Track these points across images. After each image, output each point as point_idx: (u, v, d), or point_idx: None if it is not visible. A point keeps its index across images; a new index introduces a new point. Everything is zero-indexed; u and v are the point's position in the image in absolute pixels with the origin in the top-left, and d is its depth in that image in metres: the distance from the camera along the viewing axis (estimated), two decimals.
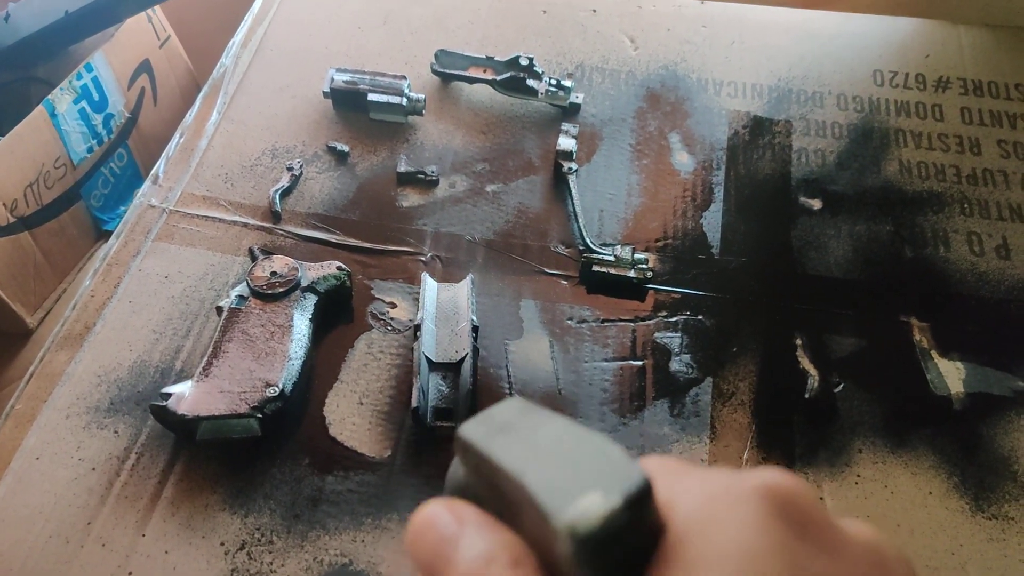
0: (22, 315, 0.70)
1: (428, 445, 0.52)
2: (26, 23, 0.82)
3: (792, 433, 0.55)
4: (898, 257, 0.64)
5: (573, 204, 0.65)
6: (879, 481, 0.52)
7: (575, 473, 0.19)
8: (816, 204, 0.68)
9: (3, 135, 0.75)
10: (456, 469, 0.24)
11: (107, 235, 0.80)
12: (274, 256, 0.57)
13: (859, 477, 0.52)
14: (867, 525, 0.20)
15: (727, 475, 0.20)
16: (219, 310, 0.55)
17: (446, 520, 0.21)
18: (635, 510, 0.18)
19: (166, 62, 0.85)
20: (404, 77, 0.70)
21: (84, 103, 0.73)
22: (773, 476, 0.19)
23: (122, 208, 0.81)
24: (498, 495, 0.21)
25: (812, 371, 0.58)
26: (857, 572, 0.18)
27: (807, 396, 0.57)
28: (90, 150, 0.75)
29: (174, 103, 0.87)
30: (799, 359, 0.59)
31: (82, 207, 0.76)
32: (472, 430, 0.22)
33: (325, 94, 0.70)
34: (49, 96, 0.69)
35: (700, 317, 0.61)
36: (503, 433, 0.22)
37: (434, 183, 0.67)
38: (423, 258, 0.63)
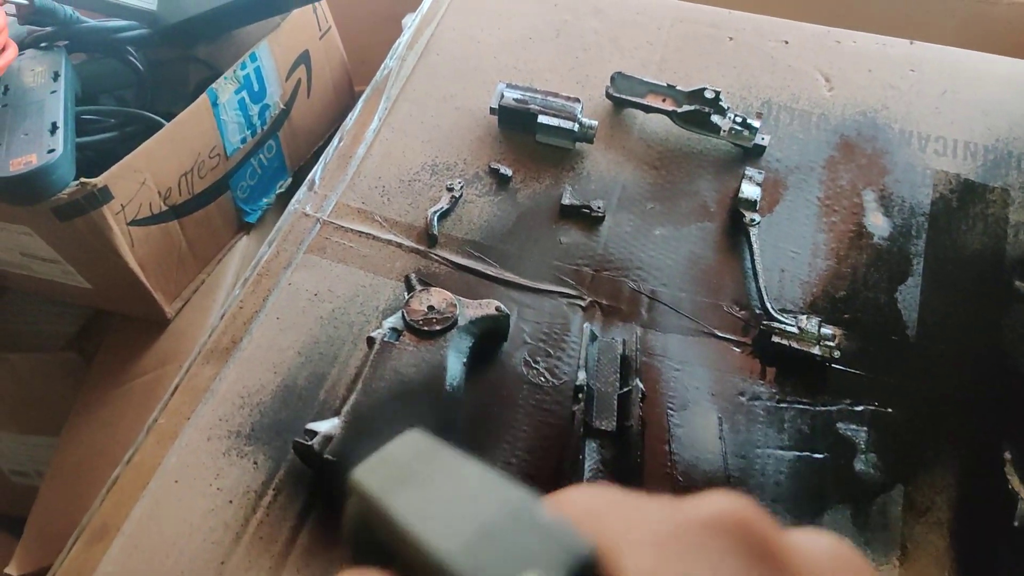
0: (162, 304, 0.69)
1: None
2: (194, 2, 0.81)
3: (998, 567, 0.47)
4: None
5: (753, 261, 0.59)
6: None
7: (499, 544, 0.17)
8: None
9: (161, 114, 0.74)
10: (353, 510, 0.21)
11: (247, 227, 0.78)
12: (432, 288, 0.53)
13: None
14: (820, 534, 0.19)
15: (672, 510, 0.18)
16: (370, 341, 0.51)
17: None
18: None
19: (323, 54, 0.82)
20: (578, 100, 0.65)
21: (244, 93, 0.71)
22: (722, 504, 0.18)
23: (264, 200, 0.80)
24: (406, 556, 0.19)
25: None
26: None
27: (1016, 524, 0.49)
28: (243, 141, 0.73)
29: (326, 96, 0.85)
30: (1008, 477, 0.51)
31: (228, 198, 0.74)
32: (369, 476, 0.20)
33: (492, 110, 0.65)
34: (213, 85, 0.68)
35: (890, 410, 0.53)
36: (406, 483, 0.20)
37: (599, 219, 0.62)
38: (582, 303, 0.57)
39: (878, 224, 0.63)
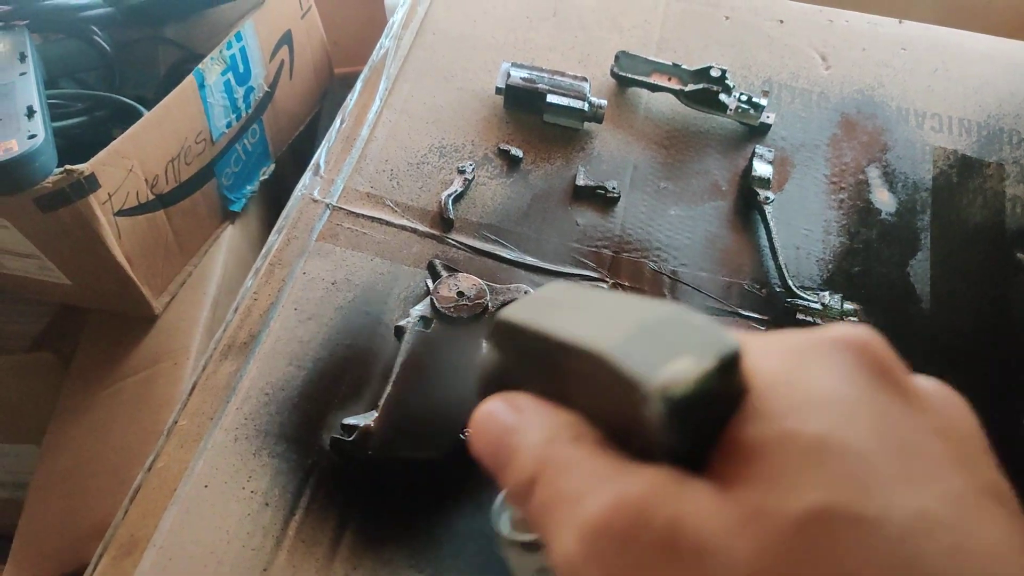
0: (150, 299, 0.64)
1: None
2: None
3: None
4: None
5: (771, 238, 0.59)
6: None
7: (655, 339, 0.18)
8: None
9: (130, 97, 0.70)
10: (489, 359, 0.22)
11: (232, 216, 0.74)
12: (459, 274, 0.51)
13: None
14: (934, 380, 0.20)
15: (803, 332, 0.20)
16: (398, 331, 0.49)
17: (503, 411, 0.20)
18: (727, 373, 0.18)
19: (305, 34, 0.79)
20: (585, 79, 0.64)
21: (230, 75, 0.67)
22: (850, 329, 0.20)
23: (248, 187, 0.76)
24: (553, 376, 0.20)
25: None
26: (934, 418, 0.19)
27: None
28: (228, 125, 0.69)
29: (308, 78, 0.81)
30: None
31: (213, 185, 0.70)
32: (516, 312, 0.21)
33: (498, 90, 0.63)
34: (200, 66, 0.64)
35: None
36: (555, 311, 0.20)
37: (614, 200, 0.61)
38: (604, 286, 0.56)
39: (884, 200, 0.64)
